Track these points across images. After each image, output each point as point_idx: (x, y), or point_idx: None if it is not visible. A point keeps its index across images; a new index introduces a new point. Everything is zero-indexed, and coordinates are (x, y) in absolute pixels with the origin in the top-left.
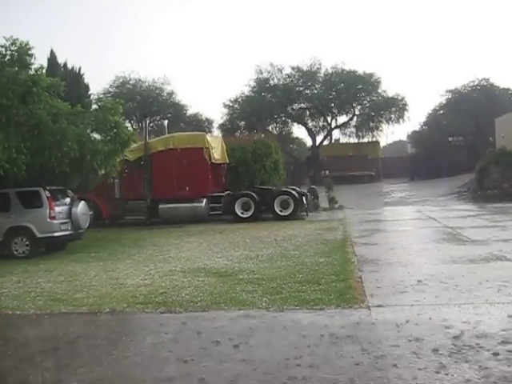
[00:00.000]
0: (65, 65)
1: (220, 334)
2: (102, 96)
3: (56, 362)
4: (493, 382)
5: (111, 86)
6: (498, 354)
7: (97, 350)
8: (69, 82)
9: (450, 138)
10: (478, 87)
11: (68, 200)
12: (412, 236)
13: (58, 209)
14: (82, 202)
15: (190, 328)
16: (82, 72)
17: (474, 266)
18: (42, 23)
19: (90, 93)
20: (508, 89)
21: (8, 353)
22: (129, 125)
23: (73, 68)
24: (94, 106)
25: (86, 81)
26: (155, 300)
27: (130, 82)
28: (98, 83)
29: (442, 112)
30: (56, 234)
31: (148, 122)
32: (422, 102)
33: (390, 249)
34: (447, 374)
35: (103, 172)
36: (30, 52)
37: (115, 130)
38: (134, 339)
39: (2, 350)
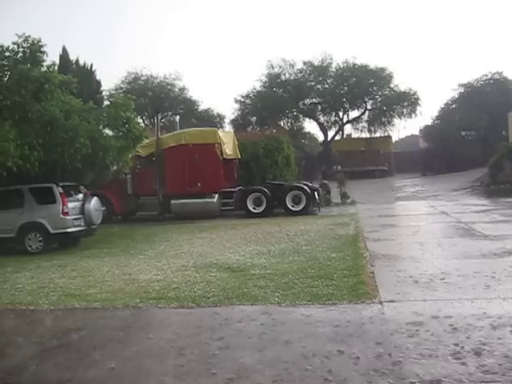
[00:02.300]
0: (77, 61)
1: (232, 330)
2: (113, 92)
3: (70, 357)
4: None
5: (123, 82)
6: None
7: (110, 345)
8: (81, 78)
9: (462, 133)
10: (491, 81)
11: (81, 196)
12: (424, 231)
13: (70, 205)
14: (95, 197)
15: (202, 323)
16: (93, 68)
17: (487, 262)
18: (53, 20)
19: (101, 89)
20: None
21: (23, 347)
22: (140, 121)
23: (85, 64)
24: (106, 102)
25: (97, 77)
26: (168, 295)
27: (142, 78)
28: (109, 79)
29: (454, 106)
30: (69, 230)
31: (160, 117)
32: (434, 97)
33: (402, 244)
34: (464, 364)
35: (115, 168)
36: (42, 49)
37: (127, 126)
38: (147, 334)
39: (16, 344)
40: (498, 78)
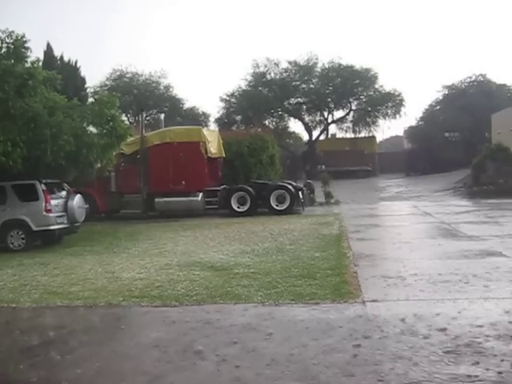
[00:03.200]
0: (61, 58)
1: (216, 329)
2: (98, 89)
3: (51, 356)
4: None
5: (108, 79)
6: (493, 347)
7: (92, 344)
8: (65, 75)
9: (446, 134)
10: (475, 83)
11: (64, 193)
12: (407, 231)
13: (53, 202)
14: (78, 195)
15: (185, 321)
16: (78, 65)
17: (469, 262)
18: (38, 16)
19: (86, 86)
20: (504, 85)
21: (3, 345)
22: (125, 118)
23: (69, 61)
24: (91, 100)
25: (82, 74)
26: (151, 294)
27: (127, 76)
28: (94, 76)
29: (438, 107)
30: (52, 228)
31: (144, 115)
32: (418, 98)
33: (385, 244)
34: (440, 368)
35: (99, 165)
36: (26, 45)
37: (111, 124)
38: (129, 333)
39: None
40: (481, 80)
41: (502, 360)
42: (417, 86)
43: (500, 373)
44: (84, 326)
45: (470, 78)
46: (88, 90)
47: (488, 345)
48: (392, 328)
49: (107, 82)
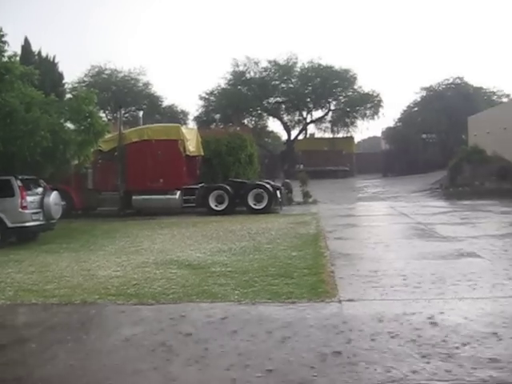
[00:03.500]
0: (39, 53)
1: (192, 327)
2: (76, 85)
3: (26, 353)
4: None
5: (86, 75)
6: (465, 350)
7: (67, 342)
8: (43, 70)
9: (423, 135)
10: (453, 85)
11: (40, 190)
12: (384, 231)
13: (29, 198)
14: (55, 191)
15: (160, 320)
16: (56, 61)
17: (445, 262)
18: (16, 11)
19: (64, 82)
20: (481, 88)
21: None
22: (103, 115)
23: (47, 56)
24: (69, 96)
25: (60, 69)
26: (127, 292)
27: (106, 72)
28: (72, 72)
29: (416, 109)
30: (27, 224)
31: (123, 112)
32: (396, 99)
33: (362, 244)
34: (414, 372)
35: (76, 162)
36: (2, 39)
37: (89, 120)
38: (104, 331)
39: None
40: (459, 82)
41: (475, 361)
42: (395, 88)
43: (471, 372)
44: (59, 324)
45: (448, 80)
46: (66, 86)
47: (461, 345)
48: (367, 327)
49: (85, 78)
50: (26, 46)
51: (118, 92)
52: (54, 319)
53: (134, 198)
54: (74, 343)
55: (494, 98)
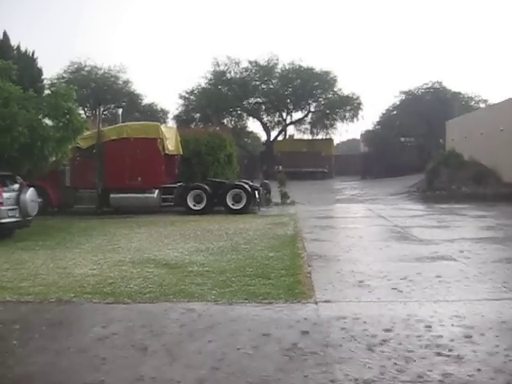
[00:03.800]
0: (18, 48)
1: (167, 326)
2: (55, 81)
3: None
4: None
5: (65, 71)
6: (439, 354)
7: (41, 340)
8: (21, 65)
9: (402, 139)
10: (431, 90)
11: (17, 186)
12: (361, 234)
13: (5, 195)
14: (31, 188)
15: (136, 319)
16: (35, 56)
17: (421, 265)
18: None
19: (43, 77)
20: (459, 93)
21: None
22: (82, 112)
23: (26, 51)
24: (47, 92)
25: (39, 65)
26: (103, 290)
27: (85, 69)
28: (51, 68)
29: (395, 112)
30: (3, 221)
31: (102, 109)
32: (376, 102)
33: (339, 245)
34: (383, 374)
35: (54, 159)
36: None
37: (68, 117)
38: (79, 329)
39: None
40: (437, 87)
41: (450, 362)
42: (374, 91)
43: (445, 375)
44: (33, 322)
45: (427, 84)
46: (45, 82)
47: (437, 346)
48: (342, 328)
49: (65, 75)
50: (5, 40)
51: (97, 89)
52: (28, 317)
53: (111, 196)
54: (48, 341)
55: (472, 103)
